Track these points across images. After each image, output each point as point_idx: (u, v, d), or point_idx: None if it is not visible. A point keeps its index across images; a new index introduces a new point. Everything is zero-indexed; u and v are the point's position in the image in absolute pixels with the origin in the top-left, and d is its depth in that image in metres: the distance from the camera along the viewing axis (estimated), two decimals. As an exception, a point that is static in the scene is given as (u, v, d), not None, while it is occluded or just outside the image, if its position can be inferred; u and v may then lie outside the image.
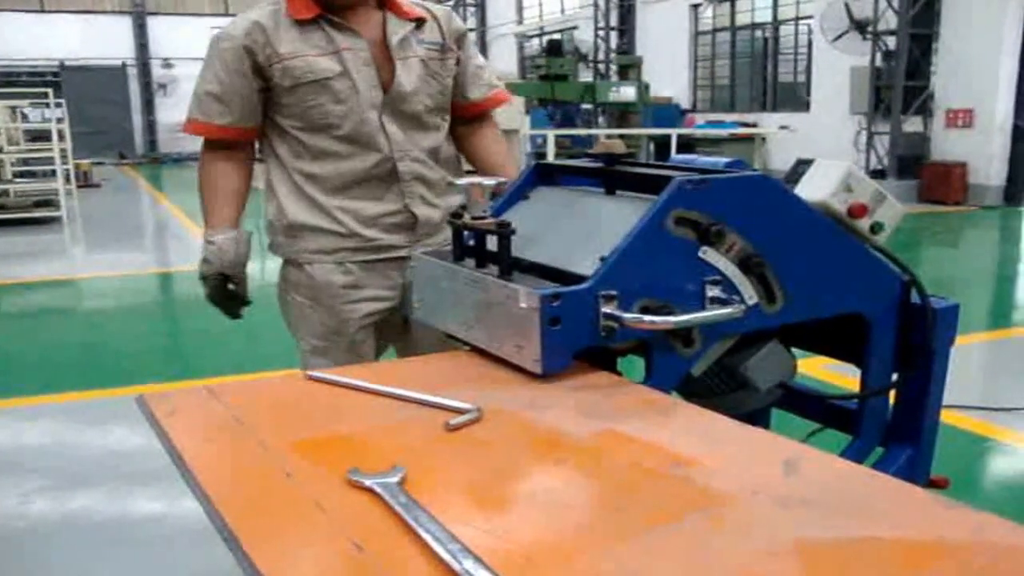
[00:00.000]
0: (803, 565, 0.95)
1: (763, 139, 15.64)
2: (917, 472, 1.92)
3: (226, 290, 2.33)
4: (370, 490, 1.10)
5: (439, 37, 2.34)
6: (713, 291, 1.59)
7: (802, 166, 1.90)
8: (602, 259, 1.52)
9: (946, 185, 12.96)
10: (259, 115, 2.29)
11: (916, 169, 13.39)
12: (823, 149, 8.18)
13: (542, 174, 1.99)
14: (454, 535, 0.97)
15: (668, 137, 13.12)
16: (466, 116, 2.49)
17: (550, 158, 10.64)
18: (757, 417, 2.05)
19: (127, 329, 6.61)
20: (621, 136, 13.08)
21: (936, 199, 12.83)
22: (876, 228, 1.85)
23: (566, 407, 1.41)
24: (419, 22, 2.30)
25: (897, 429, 1.95)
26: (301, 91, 2.21)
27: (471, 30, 26.75)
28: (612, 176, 1.86)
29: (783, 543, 0.99)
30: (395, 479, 1.12)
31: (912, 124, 13.58)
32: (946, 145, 13.37)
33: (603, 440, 1.29)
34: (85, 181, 17.63)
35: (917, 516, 1.06)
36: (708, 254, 1.58)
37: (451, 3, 25.67)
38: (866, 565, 0.96)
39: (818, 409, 2.08)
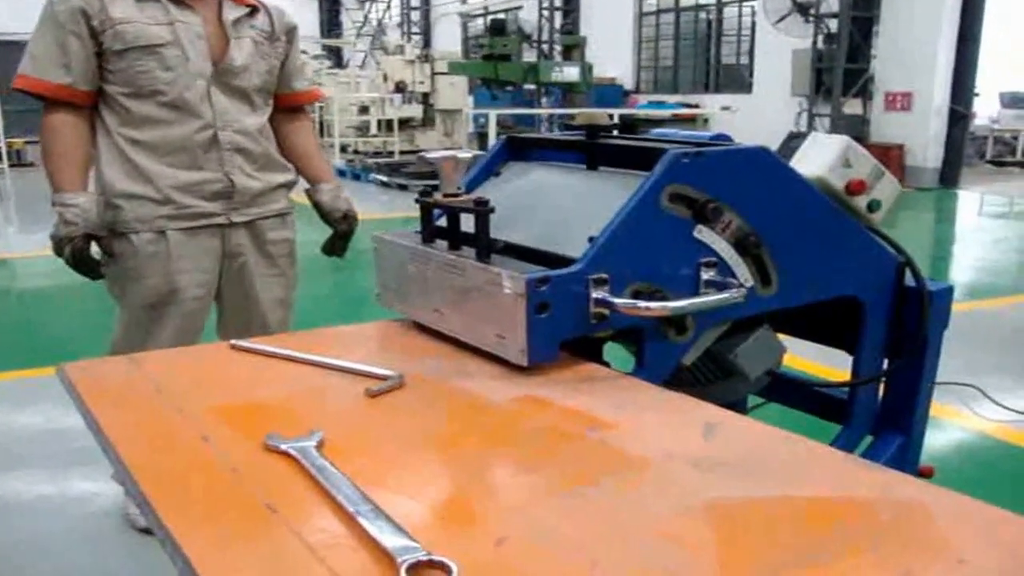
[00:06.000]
0: (713, 523, 0.97)
1: (705, 120, 15.73)
2: (908, 460, 1.85)
3: (89, 252, 2.38)
4: (286, 454, 1.10)
5: (269, 26, 2.51)
6: (708, 274, 1.48)
7: (795, 140, 1.80)
8: (591, 239, 1.40)
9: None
10: (97, 79, 2.34)
11: (855, 151, 13.59)
12: (765, 130, 8.28)
13: (513, 148, 1.84)
14: (367, 496, 0.97)
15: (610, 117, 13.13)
16: (286, 106, 2.66)
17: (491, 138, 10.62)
18: (736, 403, 1.93)
19: (63, 308, 6.48)
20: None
21: (874, 180, 12.97)
22: (873, 206, 1.76)
23: (489, 375, 1.42)
24: (252, 9, 2.48)
25: (888, 417, 1.87)
26: (130, 56, 2.29)
27: (415, 9, 26.57)
28: (595, 150, 1.70)
29: (695, 503, 1.00)
30: (312, 443, 1.12)
31: (852, 106, 13.77)
32: (885, 128, 13.59)
33: (522, 405, 1.29)
34: (19, 160, 17.23)
35: (829, 476, 1.08)
36: (703, 233, 1.46)
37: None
38: (775, 521, 0.98)
39: (806, 396, 1.98)
